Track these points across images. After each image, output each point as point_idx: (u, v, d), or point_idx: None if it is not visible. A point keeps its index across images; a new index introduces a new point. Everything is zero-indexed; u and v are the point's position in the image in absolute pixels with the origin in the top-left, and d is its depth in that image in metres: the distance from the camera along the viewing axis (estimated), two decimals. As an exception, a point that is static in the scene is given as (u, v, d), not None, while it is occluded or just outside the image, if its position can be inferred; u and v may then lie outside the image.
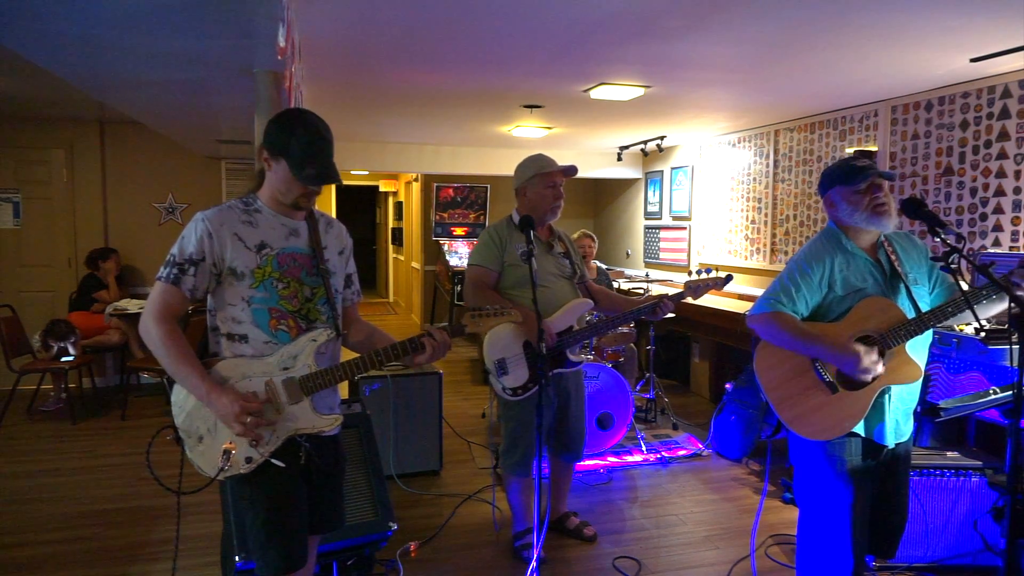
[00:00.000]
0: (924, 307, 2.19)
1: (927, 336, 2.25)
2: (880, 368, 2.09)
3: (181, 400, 1.84)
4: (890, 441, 2.20)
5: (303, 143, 1.79)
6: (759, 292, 2.35)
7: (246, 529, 1.89)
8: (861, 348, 2.07)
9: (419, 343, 1.91)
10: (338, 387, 2.01)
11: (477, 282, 3.03)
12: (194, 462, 1.84)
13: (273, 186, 1.87)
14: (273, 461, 1.83)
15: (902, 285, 2.19)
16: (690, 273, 3.11)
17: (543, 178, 3.05)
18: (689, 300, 3.10)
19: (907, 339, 2.12)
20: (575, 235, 5.28)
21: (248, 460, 1.81)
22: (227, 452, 1.78)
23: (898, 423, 2.23)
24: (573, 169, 3.10)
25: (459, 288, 8.32)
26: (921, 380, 2.25)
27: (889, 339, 2.11)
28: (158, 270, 1.81)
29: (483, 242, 3.09)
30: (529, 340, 2.96)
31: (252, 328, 1.84)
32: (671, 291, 3.12)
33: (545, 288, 3.00)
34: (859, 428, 2.18)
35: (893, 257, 2.22)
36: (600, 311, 3.30)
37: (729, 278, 3.10)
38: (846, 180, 2.18)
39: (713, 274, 3.07)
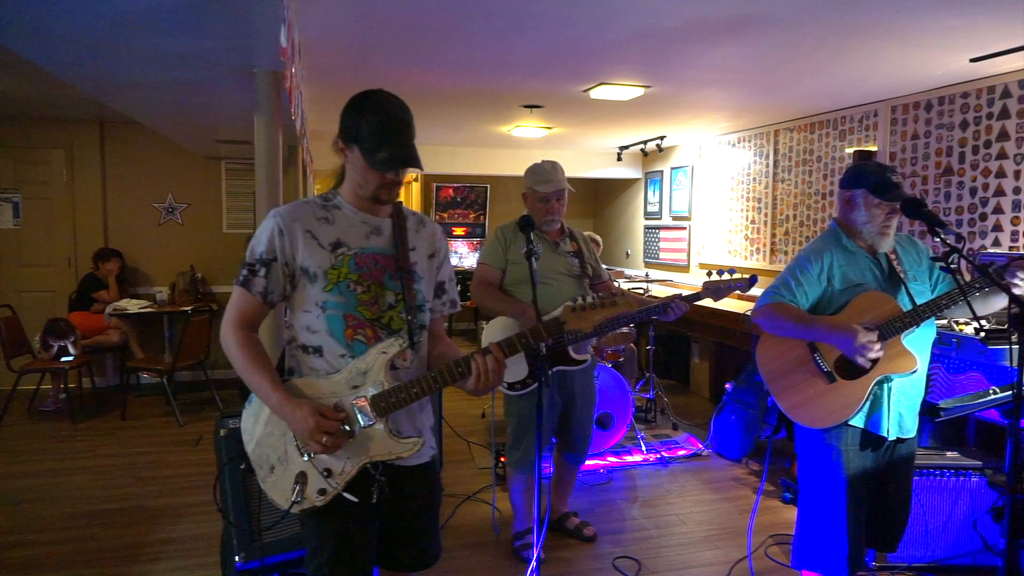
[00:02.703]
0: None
1: (929, 335, 2.27)
2: (878, 350, 2.11)
3: (249, 427, 1.69)
4: (889, 432, 2.22)
5: (374, 125, 1.60)
6: (758, 292, 2.37)
7: (307, 556, 1.73)
8: (859, 327, 2.10)
9: (466, 365, 1.63)
10: (426, 407, 1.83)
11: (481, 279, 3.15)
12: (267, 493, 1.67)
13: (351, 178, 1.69)
14: (346, 496, 1.63)
15: (901, 284, 2.23)
16: (710, 274, 2.96)
17: (535, 194, 3.12)
18: (709, 302, 3.01)
19: (903, 330, 2.15)
20: None
21: (321, 492, 1.62)
22: (299, 483, 1.61)
23: (901, 416, 2.25)
24: (561, 193, 3.10)
25: (458, 288, 8.31)
26: (924, 375, 2.28)
27: (886, 330, 2.15)
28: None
29: (490, 241, 3.21)
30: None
31: (327, 338, 1.65)
32: (682, 292, 3.08)
33: (547, 285, 3.04)
34: (858, 420, 2.21)
35: (892, 256, 2.27)
36: None
37: (754, 280, 2.94)
38: (878, 192, 2.18)
39: (736, 275, 2.94)
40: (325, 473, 1.62)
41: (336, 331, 1.65)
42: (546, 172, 3.11)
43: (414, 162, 1.62)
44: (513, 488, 3.26)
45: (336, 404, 1.62)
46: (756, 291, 6.08)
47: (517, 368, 3.02)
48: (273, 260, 1.63)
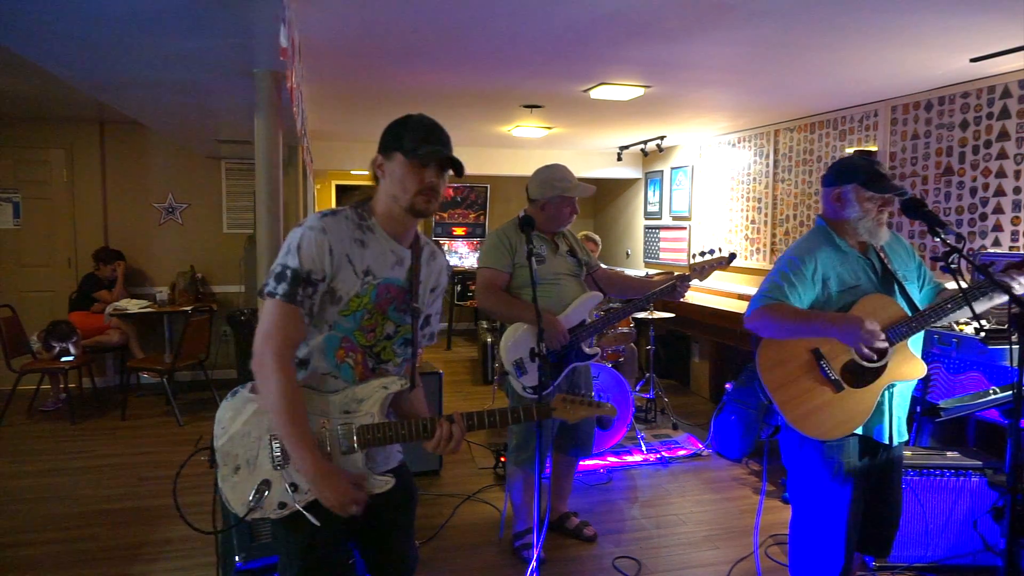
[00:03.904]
0: (916, 303, 2.20)
1: (919, 335, 2.24)
2: (883, 340, 2.06)
3: (226, 421, 1.62)
4: (889, 439, 2.20)
5: (418, 128, 1.62)
6: (750, 290, 2.32)
7: (279, 569, 1.74)
8: (863, 317, 2.04)
9: (430, 428, 1.65)
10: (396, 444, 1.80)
11: (489, 284, 3.09)
12: (223, 493, 1.61)
13: (389, 192, 1.64)
14: (307, 516, 1.59)
15: (895, 283, 2.19)
16: (693, 256, 3.13)
17: (564, 199, 3.13)
18: (696, 282, 3.14)
19: (909, 336, 2.12)
20: (578, 236, 5.30)
21: (282, 505, 1.59)
22: (262, 490, 1.58)
23: (900, 421, 2.23)
24: (592, 189, 3.21)
25: (459, 288, 8.33)
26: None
27: (891, 336, 2.11)
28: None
29: (492, 244, 3.13)
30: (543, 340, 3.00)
31: (317, 355, 1.63)
32: (683, 274, 3.18)
33: (554, 285, 3.08)
34: (858, 428, 2.17)
35: (883, 256, 2.22)
36: (614, 296, 3.34)
37: (733, 256, 3.11)
38: (869, 184, 2.12)
39: (717, 254, 3.08)
40: (291, 487, 1.59)
41: (328, 350, 1.63)
42: (570, 177, 3.16)
43: (452, 155, 1.64)
44: (515, 488, 3.27)
45: (322, 424, 1.61)
46: (748, 289, 6.08)
47: (537, 373, 3.02)
48: (321, 280, 1.58)
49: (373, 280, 1.64)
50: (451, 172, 1.69)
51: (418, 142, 1.60)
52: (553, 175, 3.14)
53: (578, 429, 3.27)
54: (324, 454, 1.60)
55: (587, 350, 3.15)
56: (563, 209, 3.13)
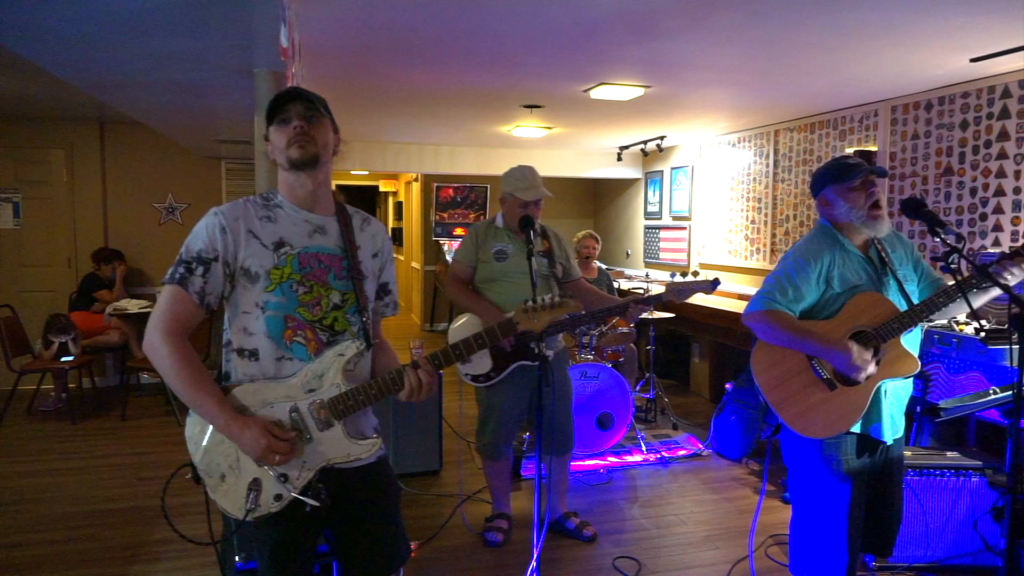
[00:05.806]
0: (915, 301, 2.20)
1: (917, 331, 2.25)
2: (872, 368, 2.09)
3: (195, 435, 1.63)
4: (887, 437, 2.20)
5: (272, 100, 1.67)
6: (749, 290, 2.33)
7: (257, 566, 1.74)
8: (853, 345, 2.07)
9: (399, 379, 1.65)
10: (368, 409, 1.78)
11: (453, 275, 3.30)
12: (218, 503, 1.61)
13: (278, 163, 1.67)
14: (304, 500, 1.60)
15: (893, 280, 2.20)
16: (673, 275, 3.12)
17: (514, 199, 3.18)
18: (709, 301, 3.14)
19: (901, 332, 2.13)
20: (579, 235, 5.31)
21: (277, 498, 1.60)
22: (253, 490, 1.58)
23: (893, 418, 2.23)
24: (539, 200, 3.17)
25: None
26: (912, 376, 2.26)
27: (884, 333, 2.12)
28: (162, 270, 1.63)
29: (464, 239, 3.31)
30: None
31: (264, 340, 1.62)
32: (648, 293, 3.17)
33: (514, 284, 3.15)
34: (855, 426, 2.18)
35: (884, 255, 2.24)
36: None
37: (716, 282, 3.08)
38: (839, 178, 2.19)
39: (701, 276, 3.10)
40: (281, 478, 1.60)
41: (274, 332, 1.62)
42: (527, 179, 3.18)
43: (306, 92, 1.65)
44: (485, 473, 3.47)
45: (292, 408, 1.61)
46: (748, 289, 6.06)
47: (481, 362, 3.16)
48: (214, 260, 1.58)
49: (291, 250, 1.64)
50: (327, 118, 1.68)
51: (272, 106, 1.64)
52: (513, 174, 3.22)
53: (550, 426, 3.20)
54: (298, 446, 1.60)
55: (536, 351, 3.11)
56: (516, 210, 3.17)
